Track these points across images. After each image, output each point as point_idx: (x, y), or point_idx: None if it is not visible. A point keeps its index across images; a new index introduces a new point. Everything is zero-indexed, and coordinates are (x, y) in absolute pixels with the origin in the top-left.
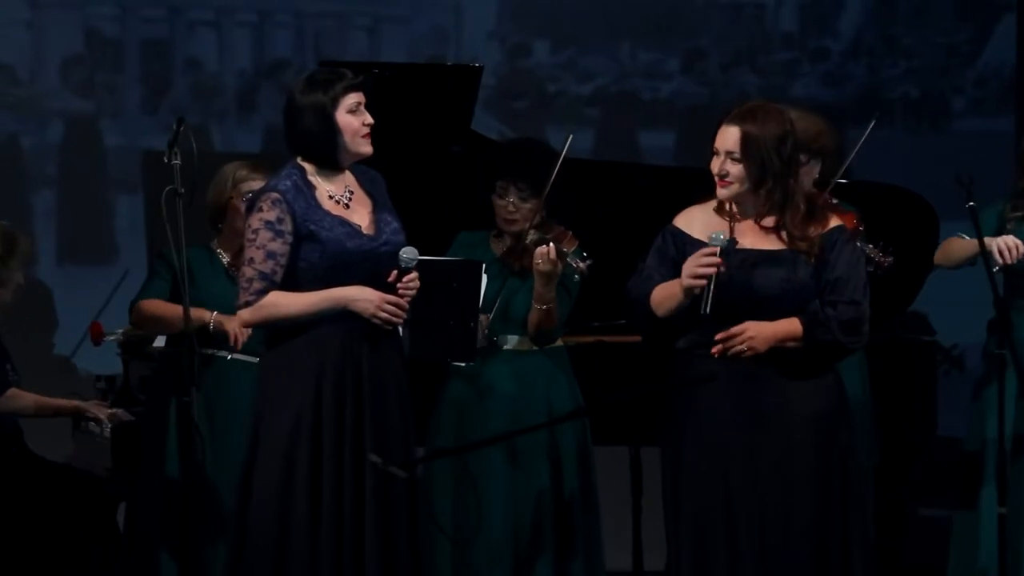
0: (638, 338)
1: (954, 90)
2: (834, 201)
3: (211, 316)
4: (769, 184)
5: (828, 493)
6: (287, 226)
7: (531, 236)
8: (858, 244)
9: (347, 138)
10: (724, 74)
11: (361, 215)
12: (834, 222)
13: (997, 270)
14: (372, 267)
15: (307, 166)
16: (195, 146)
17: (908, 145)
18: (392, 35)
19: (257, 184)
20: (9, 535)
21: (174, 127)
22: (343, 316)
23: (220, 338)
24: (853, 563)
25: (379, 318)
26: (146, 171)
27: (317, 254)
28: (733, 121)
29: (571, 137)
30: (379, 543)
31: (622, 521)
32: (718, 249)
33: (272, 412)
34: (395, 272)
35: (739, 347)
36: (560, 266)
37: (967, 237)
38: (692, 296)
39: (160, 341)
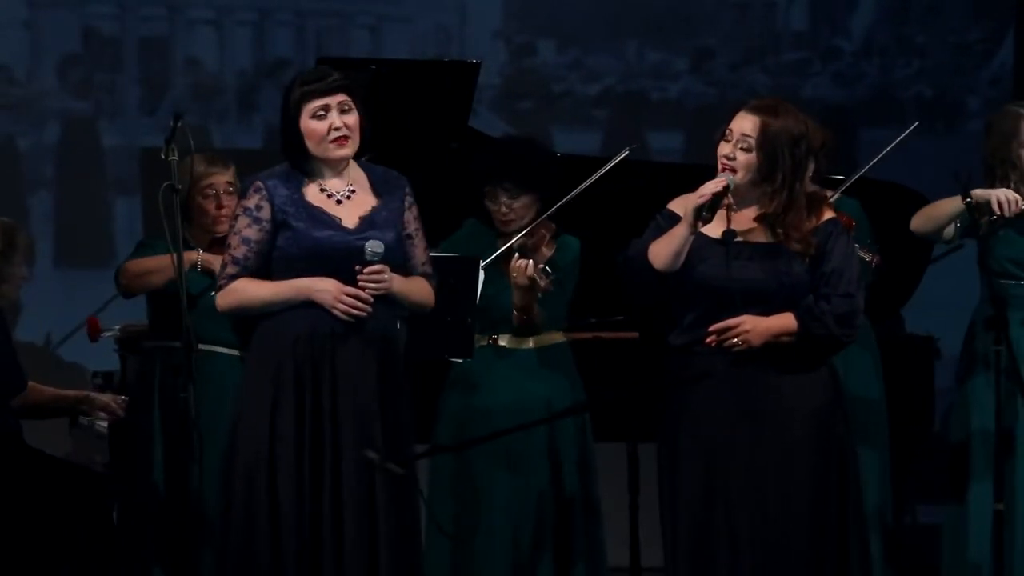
0: (635, 334)
1: (968, 90)
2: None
3: (197, 255)
4: (777, 182)
5: (826, 488)
6: (265, 214)
7: (518, 241)
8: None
9: (311, 143)
10: (733, 74)
11: (351, 211)
12: (827, 215)
13: (994, 219)
14: (347, 260)
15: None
16: (192, 142)
17: (922, 146)
18: (395, 34)
19: (216, 179)
20: (5, 530)
21: (171, 123)
22: (308, 306)
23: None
24: (850, 556)
25: (338, 309)
26: (144, 169)
27: (291, 243)
28: (754, 111)
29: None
30: (356, 547)
31: (620, 518)
32: (725, 181)
33: (242, 409)
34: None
35: (733, 339)
36: (539, 282)
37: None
38: (693, 230)
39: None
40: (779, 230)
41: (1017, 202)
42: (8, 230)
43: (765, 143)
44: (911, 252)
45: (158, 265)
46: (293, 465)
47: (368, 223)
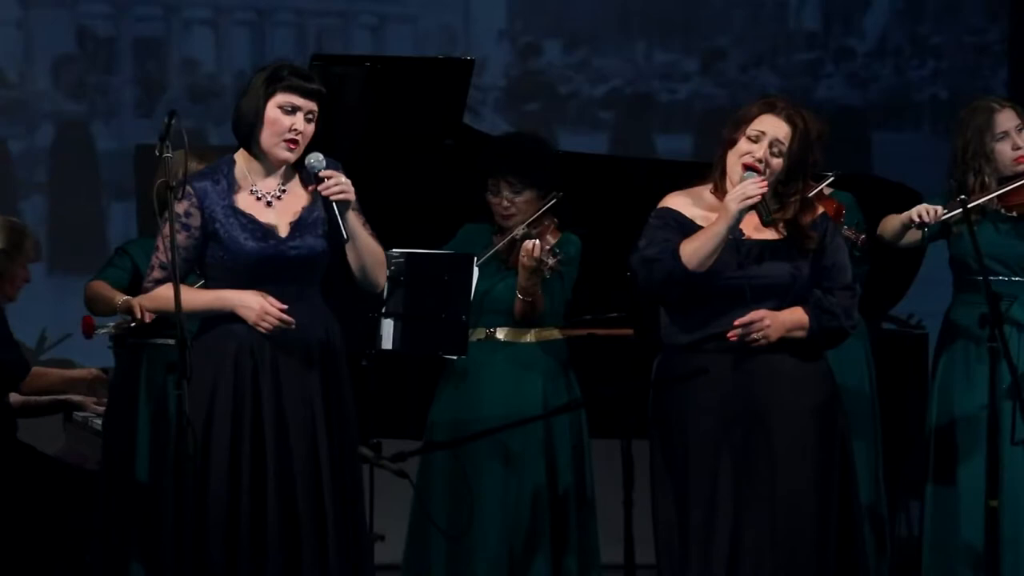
0: (630, 331)
1: (984, 91)
2: (828, 192)
3: (120, 299)
4: (799, 184)
5: (830, 483)
6: (195, 220)
7: (521, 231)
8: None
9: (266, 132)
10: (744, 75)
11: (283, 215)
12: (819, 209)
13: (918, 225)
14: (276, 268)
15: (239, 159)
16: (187, 139)
17: (935, 147)
18: (397, 34)
19: None
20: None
21: (165, 120)
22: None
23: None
24: (854, 550)
25: (261, 327)
26: (138, 167)
27: (221, 252)
28: (781, 113)
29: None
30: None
31: (614, 514)
32: (762, 179)
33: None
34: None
35: (756, 335)
36: (546, 262)
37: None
38: (733, 232)
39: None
40: (785, 227)
41: (936, 211)
42: (15, 230)
43: (799, 151)
44: (906, 250)
45: (106, 297)
46: (225, 473)
47: (299, 226)
